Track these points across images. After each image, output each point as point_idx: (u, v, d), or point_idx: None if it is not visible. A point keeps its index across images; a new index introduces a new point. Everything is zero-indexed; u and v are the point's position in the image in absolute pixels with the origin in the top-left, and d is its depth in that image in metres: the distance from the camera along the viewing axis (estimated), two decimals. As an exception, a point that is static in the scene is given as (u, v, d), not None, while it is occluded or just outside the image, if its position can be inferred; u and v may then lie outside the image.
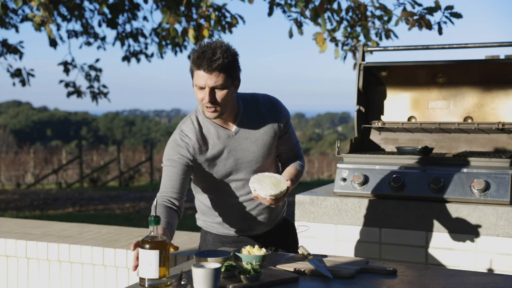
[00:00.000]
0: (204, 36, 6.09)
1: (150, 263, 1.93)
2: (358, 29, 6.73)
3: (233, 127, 2.50)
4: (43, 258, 4.09)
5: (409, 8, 5.95)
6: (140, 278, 1.97)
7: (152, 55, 9.87)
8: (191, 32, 6.08)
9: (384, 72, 3.86)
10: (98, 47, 10.13)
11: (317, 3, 6.21)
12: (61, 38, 9.24)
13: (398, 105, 3.89)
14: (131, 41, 9.67)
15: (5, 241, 4.20)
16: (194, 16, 6.86)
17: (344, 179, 3.42)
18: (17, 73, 9.42)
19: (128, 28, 10.02)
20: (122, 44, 9.55)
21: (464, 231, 3.11)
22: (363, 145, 3.83)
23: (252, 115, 2.53)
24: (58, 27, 8.74)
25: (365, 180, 3.37)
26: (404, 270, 2.25)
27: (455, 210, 3.13)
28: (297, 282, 2.10)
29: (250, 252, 2.24)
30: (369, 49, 3.95)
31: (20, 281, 4.18)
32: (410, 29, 5.80)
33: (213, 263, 1.99)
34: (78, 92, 9.96)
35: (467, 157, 3.30)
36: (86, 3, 9.10)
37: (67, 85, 9.89)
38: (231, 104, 2.44)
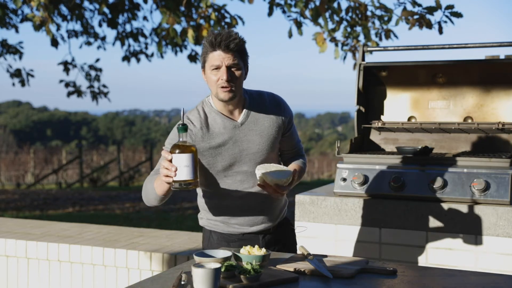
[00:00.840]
0: (204, 37, 6.09)
1: (185, 166, 2.10)
2: (358, 29, 6.73)
3: (239, 118, 2.55)
4: (43, 258, 4.09)
5: (409, 7, 5.95)
6: (175, 181, 2.13)
7: (152, 55, 9.87)
8: (190, 33, 6.08)
9: (384, 72, 3.86)
10: (98, 47, 10.14)
11: (317, 2, 6.21)
12: (62, 37, 9.25)
13: (398, 105, 3.89)
14: (131, 41, 9.69)
15: (5, 241, 4.20)
16: (194, 16, 6.86)
17: (344, 179, 3.42)
18: (16, 73, 9.42)
19: (128, 28, 10.03)
20: (122, 44, 9.55)
21: (464, 231, 3.11)
22: (363, 145, 3.83)
23: (257, 108, 2.58)
24: (58, 27, 8.73)
25: (365, 180, 3.37)
26: (404, 270, 2.25)
27: (455, 210, 3.13)
28: (297, 282, 2.10)
29: (250, 252, 2.24)
30: (369, 49, 3.95)
31: (20, 281, 4.18)
32: (410, 28, 5.79)
33: (213, 263, 1.99)
34: (78, 92, 9.96)
35: (467, 157, 3.30)
36: (86, 3, 9.10)
37: (67, 85, 9.89)
38: (240, 92, 2.50)
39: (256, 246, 2.27)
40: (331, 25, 6.67)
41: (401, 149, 3.50)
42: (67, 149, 25.50)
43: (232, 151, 2.53)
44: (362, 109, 3.84)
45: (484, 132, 3.60)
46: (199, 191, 2.69)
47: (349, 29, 6.78)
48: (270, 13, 6.90)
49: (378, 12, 6.40)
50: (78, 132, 49.15)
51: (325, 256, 2.42)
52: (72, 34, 9.78)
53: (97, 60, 10.20)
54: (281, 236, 2.75)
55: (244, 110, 2.56)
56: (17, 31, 9.65)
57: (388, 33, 6.55)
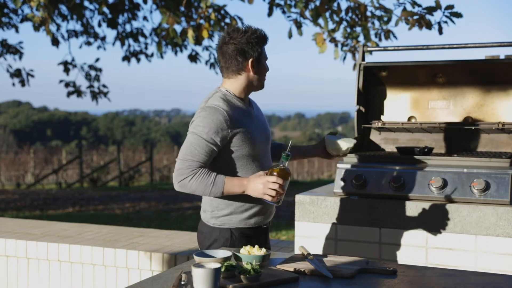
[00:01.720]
0: (204, 37, 6.09)
1: (284, 189, 2.53)
2: (358, 29, 6.73)
3: (249, 107, 2.76)
4: (43, 258, 4.09)
5: (409, 8, 5.95)
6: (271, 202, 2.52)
7: (152, 55, 9.87)
8: (190, 33, 6.08)
9: (384, 72, 3.86)
10: (98, 47, 10.14)
11: (317, 3, 6.21)
12: (63, 37, 9.25)
13: (398, 105, 3.89)
14: (131, 41, 9.69)
15: (5, 241, 4.20)
16: (194, 16, 6.86)
17: (344, 179, 3.42)
18: (16, 73, 9.43)
19: (128, 28, 10.03)
20: (122, 44, 9.55)
21: (464, 231, 3.11)
22: (363, 145, 3.83)
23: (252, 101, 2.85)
24: (58, 27, 8.74)
25: (365, 180, 3.37)
26: (404, 270, 2.25)
27: (455, 210, 3.13)
28: (297, 282, 2.10)
29: (250, 252, 2.24)
30: (369, 49, 3.95)
31: (20, 281, 4.18)
32: (410, 29, 5.79)
33: (213, 263, 1.99)
34: (78, 92, 9.96)
35: (467, 157, 3.30)
36: (86, 3, 9.10)
37: (67, 85, 9.89)
38: None
39: (256, 246, 2.27)
40: (331, 26, 6.69)
41: (401, 149, 3.50)
42: (67, 149, 25.51)
43: (260, 131, 2.70)
44: (362, 109, 3.84)
45: (484, 132, 3.60)
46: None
47: (348, 30, 6.78)
48: (270, 14, 6.90)
49: (377, 13, 6.40)
50: (78, 132, 49.16)
51: (325, 256, 2.42)
52: (72, 34, 9.78)
53: (97, 60, 10.20)
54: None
55: (249, 98, 2.80)
56: (17, 31, 9.65)
57: (387, 34, 6.55)
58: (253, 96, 2.83)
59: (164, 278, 2.12)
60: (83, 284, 3.98)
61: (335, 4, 6.41)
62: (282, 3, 6.93)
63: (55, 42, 8.10)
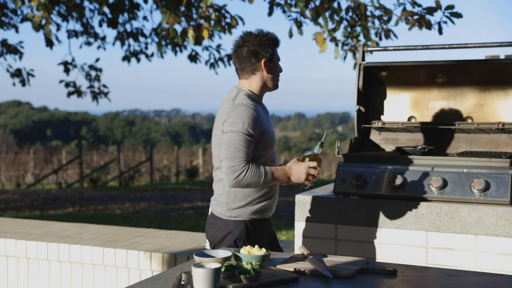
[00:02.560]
0: (204, 37, 6.09)
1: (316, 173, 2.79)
2: (358, 29, 6.73)
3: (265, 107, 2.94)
4: (43, 258, 4.09)
5: (409, 8, 5.95)
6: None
7: (152, 55, 9.86)
8: (190, 33, 6.08)
9: (384, 72, 3.86)
10: (98, 47, 10.13)
11: (317, 2, 6.21)
12: (57, 38, 9.24)
13: (398, 105, 3.89)
14: (131, 41, 9.68)
15: (5, 241, 4.20)
16: (194, 16, 6.86)
17: (344, 179, 3.42)
18: (17, 73, 9.42)
19: (128, 28, 10.02)
20: (122, 44, 9.54)
21: (464, 231, 3.11)
22: (363, 145, 3.83)
23: None
24: (58, 27, 8.73)
25: (365, 180, 3.37)
26: (404, 270, 2.25)
27: (455, 210, 3.13)
28: (297, 282, 2.10)
29: (250, 252, 2.24)
30: (369, 49, 3.95)
31: (20, 281, 4.18)
32: (410, 29, 5.79)
33: (213, 263, 1.99)
34: (78, 92, 9.96)
35: (467, 157, 3.30)
36: (86, 3, 9.10)
37: (67, 85, 9.89)
38: None
39: (256, 246, 2.27)
40: (331, 25, 6.67)
41: (401, 149, 3.50)
42: (67, 149, 25.51)
43: (274, 135, 2.90)
44: (362, 109, 3.84)
45: (484, 132, 3.60)
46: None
47: (349, 29, 6.77)
48: (270, 13, 6.90)
49: (377, 13, 6.40)
50: (78, 132, 49.15)
51: (325, 256, 2.42)
52: (72, 34, 9.77)
53: (97, 60, 10.20)
54: None
55: None
56: (17, 31, 9.65)
57: (388, 33, 6.55)
58: None
59: (164, 278, 2.12)
60: (83, 284, 3.98)
61: (335, 4, 6.41)
62: (282, 2, 6.93)
63: (49, 43, 8.08)
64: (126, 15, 9.31)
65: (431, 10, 5.72)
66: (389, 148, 3.85)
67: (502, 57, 3.96)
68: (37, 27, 5.90)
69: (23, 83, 9.46)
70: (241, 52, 2.81)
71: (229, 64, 9.15)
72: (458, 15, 5.58)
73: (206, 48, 9.16)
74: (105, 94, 10.26)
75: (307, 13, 6.49)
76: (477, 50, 3.84)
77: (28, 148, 23.45)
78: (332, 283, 2.09)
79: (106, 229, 4.62)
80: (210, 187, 16.39)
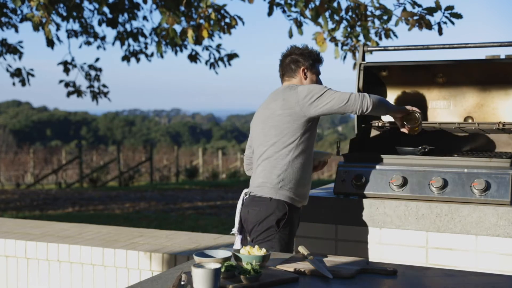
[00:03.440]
0: (203, 37, 6.08)
1: None
2: (358, 29, 6.72)
3: None
4: (43, 258, 4.09)
5: (409, 8, 5.94)
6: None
7: (152, 54, 9.86)
8: (190, 33, 6.08)
9: (384, 72, 3.86)
10: (98, 47, 10.12)
11: (317, 2, 6.20)
12: (58, 38, 9.25)
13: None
14: (131, 40, 9.67)
15: (5, 241, 4.20)
16: (194, 16, 6.85)
17: (344, 179, 3.42)
18: (16, 73, 9.42)
19: (128, 27, 10.01)
20: (122, 44, 9.54)
21: (465, 231, 3.10)
22: (363, 145, 3.83)
23: None
24: (58, 27, 8.72)
25: (366, 180, 3.36)
26: (404, 270, 2.25)
27: (455, 210, 3.12)
28: (297, 282, 2.10)
29: (250, 252, 2.24)
30: (369, 49, 3.94)
31: (19, 281, 4.17)
32: (410, 29, 5.79)
33: (213, 263, 1.99)
34: (78, 92, 9.96)
35: (467, 157, 3.29)
36: (85, 3, 9.09)
37: (67, 84, 9.89)
38: None
39: (256, 246, 2.27)
40: (331, 25, 6.67)
41: (401, 149, 3.50)
42: (66, 149, 25.52)
43: None
44: (362, 109, 3.83)
45: (485, 132, 3.59)
46: (300, 164, 3.00)
47: (349, 29, 6.77)
48: (270, 13, 6.90)
49: (377, 12, 6.39)
50: (78, 132, 49.16)
51: (325, 256, 2.42)
52: (72, 34, 9.77)
53: (97, 59, 10.19)
54: None
55: None
56: (16, 30, 9.64)
57: (387, 33, 6.55)
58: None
59: (164, 278, 2.11)
60: (82, 284, 3.98)
61: (335, 4, 6.40)
62: (282, 2, 6.93)
63: (50, 43, 8.07)
64: (126, 15, 9.30)
65: (431, 11, 5.71)
66: (389, 148, 3.85)
67: (502, 57, 3.96)
68: (37, 27, 5.89)
69: (22, 83, 9.45)
70: (285, 60, 3.19)
71: (229, 64, 9.15)
72: (458, 16, 5.57)
73: (206, 48, 9.15)
74: (105, 94, 10.26)
75: (307, 13, 6.48)
76: (477, 50, 3.83)
77: (28, 148, 23.46)
78: (332, 283, 2.08)
79: (106, 229, 4.62)
80: (210, 187, 16.39)
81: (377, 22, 6.57)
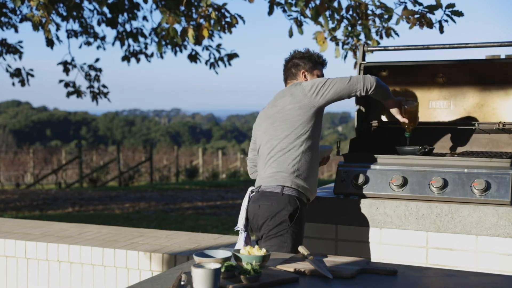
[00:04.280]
0: (204, 36, 6.08)
1: None
2: (359, 28, 6.72)
3: None
4: (43, 258, 4.08)
5: (410, 6, 5.94)
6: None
7: (152, 55, 9.85)
8: (190, 32, 6.07)
9: (384, 72, 3.85)
10: (98, 47, 10.12)
11: (317, 1, 6.20)
12: (58, 38, 9.24)
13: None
14: (131, 41, 9.67)
15: (5, 241, 4.19)
16: (194, 15, 6.85)
17: (344, 179, 3.42)
18: (16, 73, 9.42)
19: (128, 27, 10.02)
20: (122, 44, 9.53)
21: (465, 231, 3.10)
22: (363, 145, 3.83)
23: None
24: (58, 26, 8.72)
25: (365, 180, 3.36)
26: (404, 270, 2.25)
27: (455, 210, 3.12)
28: (297, 282, 2.10)
29: (250, 252, 2.24)
30: (369, 48, 3.94)
31: (19, 281, 4.17)
32: (411, 27, 5.78)
33: (213, 263, 1.98)
34: (78, 92, 9.95)
35: (467, 157, 3.29)
36: (85, 3, 9.08)
37: (67, 85, 9.88)
38: None
39: (256, 246, 2.27)
40: (331, 24, 6.66)
41: (401, 149, 3.50)
42: (66, 149, 25.52)
43: None
44: (362, 109, 3.83)
45: (485, 132, 3.59)
46: (310, 158, 3.10)
47: (349, 28, 6.76)
48: (270, 12, 6.89)
49: (378, 11, 6.39)
50: (77, 132, 49.16)
51: (325, 256, 2.42)
52: (72, 34, 9.77)
53: (97, 60, 10.18)
54: None
55: None
56: (16, 30, 9.64)
57: (388, 31, 6.54)
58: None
59: (164, 279, 2.11)
60: (82, 284, 3.98)
61: (336, 3, 6.40)
62: (282, 1, 6.92)
63: (50, 43, 8.07)
64: (125, 15, 9.30)
65: (432, 8, 5.70)
66: (389, 148, 3.84)
67: (502, 56, 3.95)
68: (37, 27, 5.89)
69: (22, 83, 9.45)
70: (287, 64, 3.34)
71: (229, 64, 9.15)
72: (459, 14, 5.56)
73: (206, 48, 9.15)
74: (105, 94, 10.25)
75: (307, 12, 6.47)
76: (477, 50, 3.81)
77: (28, 148, 23.46)
78: (332, 283, 2.08)
79: (106, 229, 4.61)
80: (210, 187, 16.38)
81: (378, 21, 6.57)
